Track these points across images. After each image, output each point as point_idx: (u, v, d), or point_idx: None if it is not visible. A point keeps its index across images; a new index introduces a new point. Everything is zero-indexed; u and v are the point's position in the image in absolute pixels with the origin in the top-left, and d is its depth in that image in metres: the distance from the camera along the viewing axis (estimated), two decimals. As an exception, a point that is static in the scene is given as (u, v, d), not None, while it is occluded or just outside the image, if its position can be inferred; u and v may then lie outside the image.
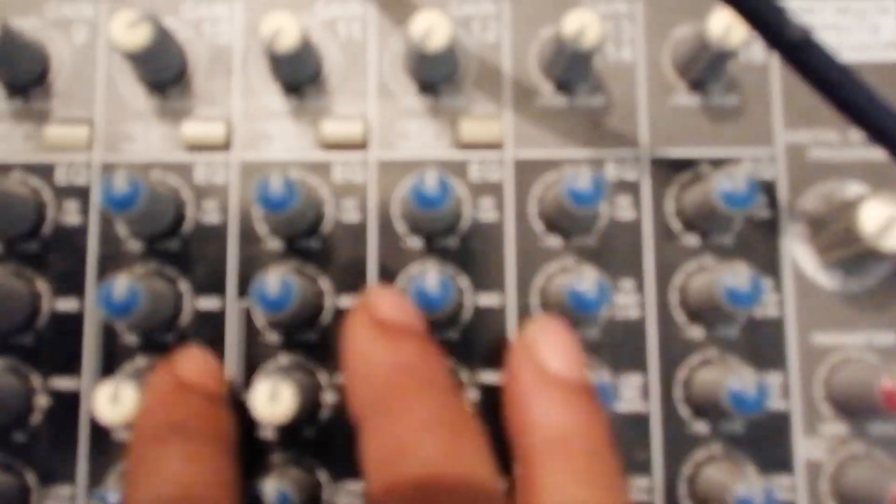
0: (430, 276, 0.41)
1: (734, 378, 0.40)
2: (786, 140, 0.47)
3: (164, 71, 0.46)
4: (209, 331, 0.45)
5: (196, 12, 0.47)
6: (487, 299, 0.45)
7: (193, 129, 0.46)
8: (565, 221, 0.44)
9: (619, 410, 0.44)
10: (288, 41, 0.42)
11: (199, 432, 0.39)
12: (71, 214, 0.46)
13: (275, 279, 0.40)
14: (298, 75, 0.46)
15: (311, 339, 0.45)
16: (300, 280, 0.42)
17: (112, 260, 0.45)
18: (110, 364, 0.45)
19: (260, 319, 0.45)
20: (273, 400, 0.40)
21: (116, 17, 0.43)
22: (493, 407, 0.44)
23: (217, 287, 0.45)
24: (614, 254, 0.45)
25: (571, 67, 0.45)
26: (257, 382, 0.41)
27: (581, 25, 0.42)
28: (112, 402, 0.40)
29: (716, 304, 0.42)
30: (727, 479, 0.41)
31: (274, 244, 0.45)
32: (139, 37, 0.43)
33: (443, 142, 0.46)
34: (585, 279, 0.41)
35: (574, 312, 0.41)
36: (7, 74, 0.46)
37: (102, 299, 0.41)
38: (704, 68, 0.45)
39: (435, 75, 0.46)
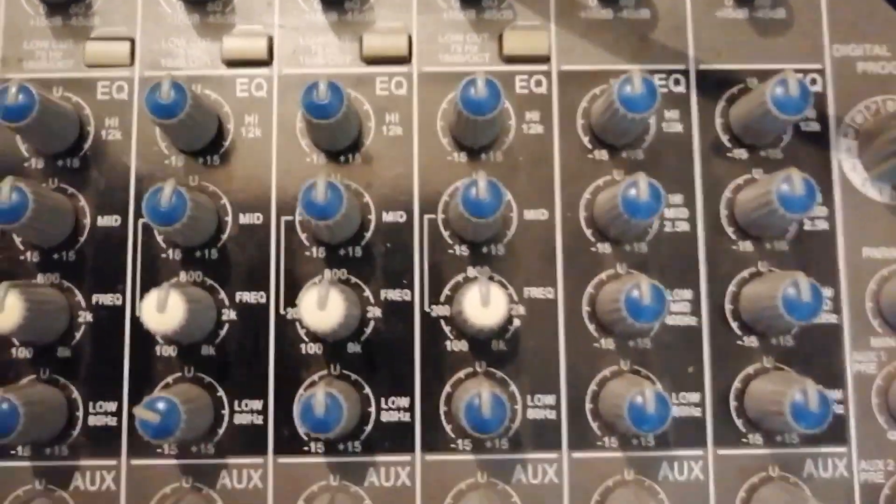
0: (480, 182, 0.40)
1: (788, 284, 0.40)
2: (834, 54, 0.46)
3: (204, -16, 0.45)
4: (252, 246, 0.44)
5: (236, -74, 0.47)
6: (534, 213, 0.44)
7: (235, 44, 0.46)
8: (614, 133, 0.43)
9: (669, 324, 0.43)
10: (333, -53, 0.42)
11: None
12: (112, 130, 0.45)
13: (322, 185, 0.40)
14: (341, -12, 0.45)
15: (357, 255, 0.44)
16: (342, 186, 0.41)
17: (152, 176, 0.45)
18: (153, 281, 0.44)
19: (303, 234, 0.44)
20: (321, 307, 0.39)
21: (159, -76, 0.42)
22: (538, 320, 0.44)
23: (259, 202, 0.44)
24: (662, 167, 0.45)
25: (618, -23, 0.44)
26: (306, 290, 0.40)
27: (630, -70, 0.41)
28: (159, 309, 0.40)
29: (767, 213, 0.41)
30: (780, 386, 0.40)
31: (315, 158, 0.45)
32: (182, -56, 0.42)
33: (487, 55, 0.46)
34: (639, 184, 0.40)
35: (626, 219, 0.40)
36: (46, -11, 0.45)
37: (149, 206, 0.40)
38: (753, -21, 0.44)
39: (479, -13, 0.45)
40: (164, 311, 0.40)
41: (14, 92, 0.41)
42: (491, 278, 0.44)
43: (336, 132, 0.43)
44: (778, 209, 0.41)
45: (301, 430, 0.42)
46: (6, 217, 0.40)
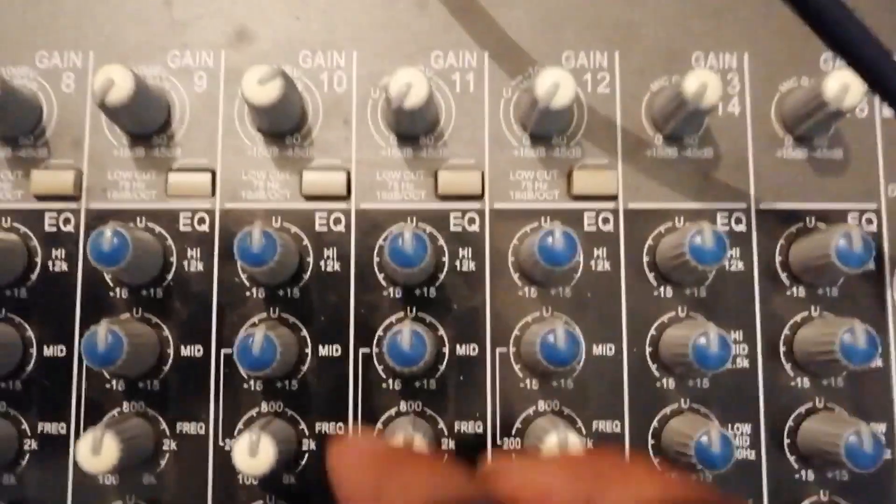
0: (558, 329, 0.42)
1: (852, 432, 0.42)
2: (889, 194, 0.48)
3: (286, 121, 0.47)
4: (330, 377, 0.46)
5: (314, 62, 0.48)
6: (601, 348, 0.46)
7: (314, 178, 0.47)
8: (680, 274, 0.45)
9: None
10: (417, 97, 0.43)
11: None
12: (194, 261, 0.47)
13: (408, 334, 0.42)
14: (417, 127, 0.47)
15: (431, 388, 0.46)
16: (424, 331, 0.43)
17: (234, 307, 0.46)
18: (235, 410, 0.46)
19: (379, 366, 0.46)
20: (252, 453, 0.41)
21: (249, 72, 0.44)
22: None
23: (337, 334, 0.46)
24: (724, 304, 0.47)
25: (687, 122, 0.46)
26: (391, 429, 0.42)
27: (702, 84, 0.43)
28: (251, 454, 0.41)
29: (830, 358, 0.43)
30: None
31: (393, 291, 0.47)
32: (270, 92, 0.44)
33: (556, 192, 0.47)
34: (710, 335, 0.42)
35: (695, 366, 0.42)
36: (132, 124, 0.47)
37: (241, 353, 0.42)
38: (814, 124, 0.46)
39: (551, 128, 0.47)
40: (255, 455, 0.42)
41: (109, 237, 0.43)
42: (560, 412, 0.46)
43: (417, 273, 0.44)
44: (841, 359, 0.43)
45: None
46: (102, 361, 0.42)
